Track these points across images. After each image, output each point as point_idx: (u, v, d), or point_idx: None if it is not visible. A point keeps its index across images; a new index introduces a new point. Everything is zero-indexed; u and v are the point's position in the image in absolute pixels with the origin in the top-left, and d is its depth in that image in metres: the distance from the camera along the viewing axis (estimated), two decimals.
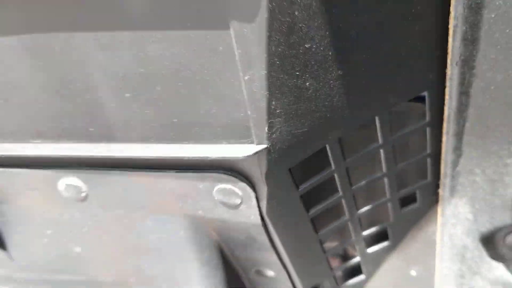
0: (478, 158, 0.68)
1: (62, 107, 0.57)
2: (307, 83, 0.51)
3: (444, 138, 0.68)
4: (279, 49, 0.46)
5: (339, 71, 0.51)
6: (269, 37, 0.45)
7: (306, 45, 0.48)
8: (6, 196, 0.72)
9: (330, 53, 0.49)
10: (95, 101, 0.55)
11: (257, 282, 0.85)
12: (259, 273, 0.82)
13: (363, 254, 0.85)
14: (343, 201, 0.73)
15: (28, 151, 0.64)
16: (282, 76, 0.48)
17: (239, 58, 0.47)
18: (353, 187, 0.71)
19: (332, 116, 0.56)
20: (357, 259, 0.88)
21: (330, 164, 0.65)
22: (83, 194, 0.68)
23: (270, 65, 0.47)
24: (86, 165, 0.64)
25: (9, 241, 0.81)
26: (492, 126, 0.63)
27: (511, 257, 0.84)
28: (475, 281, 0.87)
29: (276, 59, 0.47)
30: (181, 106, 0.54)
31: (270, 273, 0.82)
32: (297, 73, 0.49)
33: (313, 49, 0.48)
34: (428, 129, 0.67)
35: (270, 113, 0.52)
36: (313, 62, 0.49)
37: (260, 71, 0.48)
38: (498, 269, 0.85)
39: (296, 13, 0.45)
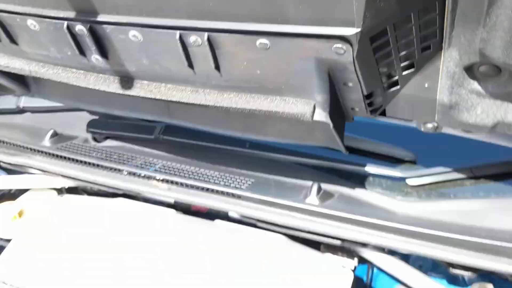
0: (462, 30, 1.05)
1: None
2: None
3: (445, 21, 1.06)
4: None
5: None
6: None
7: None
8: (225, 47, 1.26)
9: None
10: None
11: (343, 89, 1.29)
12: (345, 84, 1.25)
13: (400, 75, 1.23)
14: (392, 50, 1.14)
15: (246, 27, 1.20)
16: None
17: None
18: (398, 43, 1.13)
19: (390, 15, 1.08)
20: (396, 78, 1.24)
21: (387, 34, 1.13)
22: (268, 46, 1.21)
23: None
24: (273, 34, 1.19)
25: (221, 65, 1.33)
26: (469, 16, 1.00)
27: (480, 78, 1.16)
28: (459, 89, 1.21)
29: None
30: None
31: (350, 84, 1.25)
32: None
33: None
34: (437, 17, 1.05)
35: (364, 18, 1.06)
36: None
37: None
38: (474, 83, 1.19)
39: None
